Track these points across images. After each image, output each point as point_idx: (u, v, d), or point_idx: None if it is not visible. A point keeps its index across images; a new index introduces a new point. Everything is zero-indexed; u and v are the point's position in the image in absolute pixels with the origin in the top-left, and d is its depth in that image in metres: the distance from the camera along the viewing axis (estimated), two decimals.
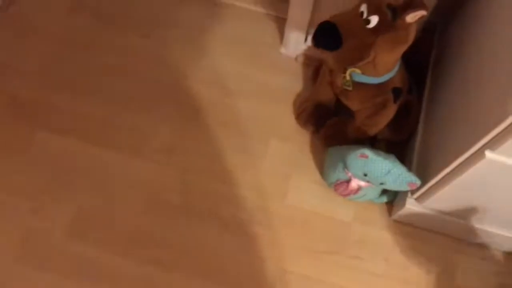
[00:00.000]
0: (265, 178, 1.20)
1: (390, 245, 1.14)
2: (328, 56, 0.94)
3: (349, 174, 1.07)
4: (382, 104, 1.06)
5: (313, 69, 1.31)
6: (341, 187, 1.11)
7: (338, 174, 1.09)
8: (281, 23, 1.40)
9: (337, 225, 1.16)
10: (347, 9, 0.96)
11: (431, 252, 1.14)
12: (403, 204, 1.08)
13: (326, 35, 0.91)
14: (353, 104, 1.11)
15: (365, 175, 1.02)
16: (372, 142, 1.21)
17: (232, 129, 1.26)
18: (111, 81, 1.30)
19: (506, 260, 1.15)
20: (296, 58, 1.35)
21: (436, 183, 0.96)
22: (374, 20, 0.90)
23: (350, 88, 1.06)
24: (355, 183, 1.08)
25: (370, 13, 0.90)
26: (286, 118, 1.27)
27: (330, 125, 1.21)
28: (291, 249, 1.13)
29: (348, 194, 1.12)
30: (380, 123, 1.11)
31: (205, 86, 1.31)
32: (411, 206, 1.07)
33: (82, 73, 1.30)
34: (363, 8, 0.91)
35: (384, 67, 0.99)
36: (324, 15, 1.17)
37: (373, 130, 1.13)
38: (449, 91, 1.03)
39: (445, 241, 1.15)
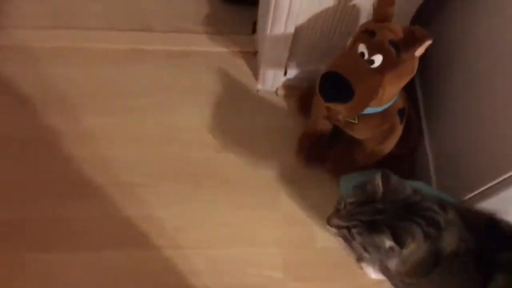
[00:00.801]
0: (288, 229, 1.15)
1: None
2: (338, 107, 0.88)
3: None
4: (389, 129, 1.03)
5: (296, 99, 1.26)
6: None
7: None
8: (247, 57, 1.32)
9: None
10: (343, 52, 0.91)
11: None
12: None
13: (335, 87, 0.85)
14: (360, 135, 1.07)
15: None
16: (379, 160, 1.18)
17: (235, 186, 1.18)
18: (86, 175, 1.15)
19: None
20: (276, 92, 1.28)
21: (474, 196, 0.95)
22: (378, 59, 0.85)
23: (355, 121, 1.02)
24: None
25: (373, 53, 0.85)
26: (286, 158, 1.21)
27: (333, 157, 1.17)
28: None
29: None
30: (390, 146, 1.08)
31: (191, 147, 1.21)
32: None
33: (52, 172, 1.15)
34: (362, 48, 0.86)
35: (389, 97, 0.95)
36: (303, 47, 1.12)
37: (383, 154, 1.10)
38: (462, 100, 1.01)
39: None
